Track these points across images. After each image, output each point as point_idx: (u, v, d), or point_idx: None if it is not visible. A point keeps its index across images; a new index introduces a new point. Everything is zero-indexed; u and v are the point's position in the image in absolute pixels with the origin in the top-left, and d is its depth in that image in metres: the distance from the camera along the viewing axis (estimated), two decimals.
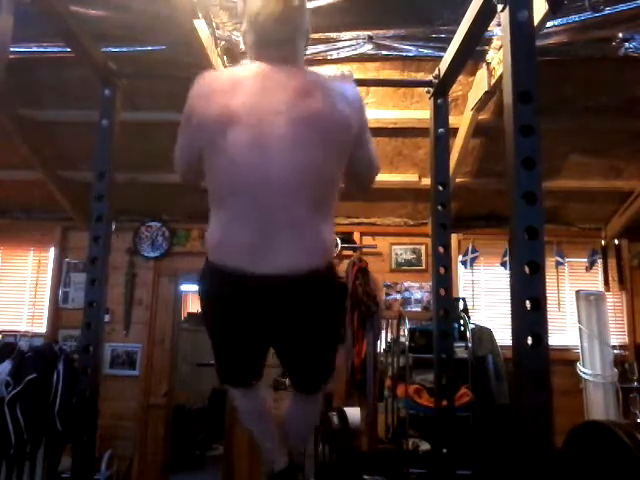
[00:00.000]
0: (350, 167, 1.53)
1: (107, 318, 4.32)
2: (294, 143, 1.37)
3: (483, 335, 4.16)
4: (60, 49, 2.85)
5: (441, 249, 1.95)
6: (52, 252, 4.75)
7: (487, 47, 2.93)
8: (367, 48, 2.97)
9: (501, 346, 4.12)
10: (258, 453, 1.96)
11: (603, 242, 4.60)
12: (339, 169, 1.49)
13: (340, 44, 2.98)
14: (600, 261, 4.59)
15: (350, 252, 4.51)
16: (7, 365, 3.59)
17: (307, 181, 1.39)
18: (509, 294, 1.18)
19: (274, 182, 1.36)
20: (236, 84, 1.43)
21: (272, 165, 1.36)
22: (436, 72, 1.98)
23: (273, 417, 1.80)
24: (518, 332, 1.14)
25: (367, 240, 4.64)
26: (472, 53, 1.92)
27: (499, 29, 1.30)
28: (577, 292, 4.32)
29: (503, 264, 4.49)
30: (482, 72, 3.12)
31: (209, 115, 1.41)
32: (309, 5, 2.63)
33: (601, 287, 4.57)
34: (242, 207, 1.40)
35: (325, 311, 1.50)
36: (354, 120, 1.46)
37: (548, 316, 1.15)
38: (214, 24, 2.77)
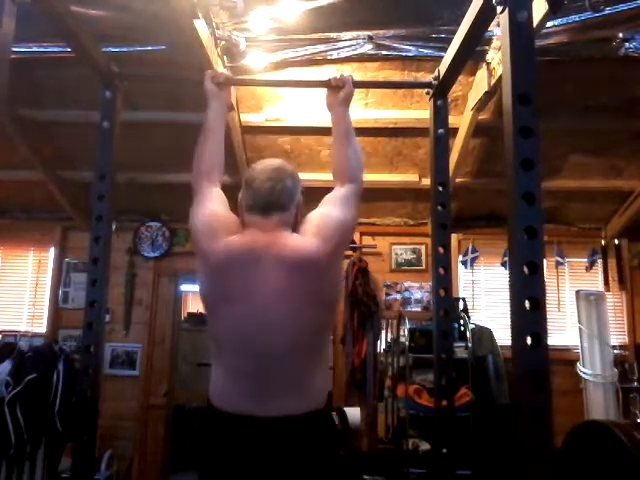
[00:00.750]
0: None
1: (107, 318, 4.32)
2: (288, 313, 1.53)
3: (483, 335, 4.16)
4: (60, 49, 2.85)
5: (441, 249, 1.95)
6: (52, 252, 4.74)
7: (487, 47, 2.93)
8: (367, 48, 2.97)
9: (501, 346, 4.12)
10: None
11: (603, 242, 4.60)
12: (328, 316, 1.66)
13: (340, 44, 2.98)
14: (600, 261, 4.59)
15: (350, 252, 4.51)
16: (7, 365, 3.59)
17: (299, 339, 1.54)
18: (509, 294, 1.18)
19: (270, 344, 1.51)
20: (231, 260, 1.55)
21: (269, 334, 1.51)
22: (436, 73, 1.98)
23: None
24: (517, 332, 1.14)
25: (367, 240, 4.64)
26: (472, 53, 1.92)
27: (499, 29, 1.30)
28: (577, 292, 4.32)
29: (503, 264, 4.49)
30: (482, 72, 3.12)
31: (210, 284, 1.61)
32: (309, 5, 2.65)
33: (601, 287, 4.56)
34: (241, 362, 1.56)
35: (319, 452, 1.58)
36: (323, 257, 1.55)
37: (548, 316, 1.15)
38: (214, 24, 2.77)
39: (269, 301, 1.52)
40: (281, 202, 1.61)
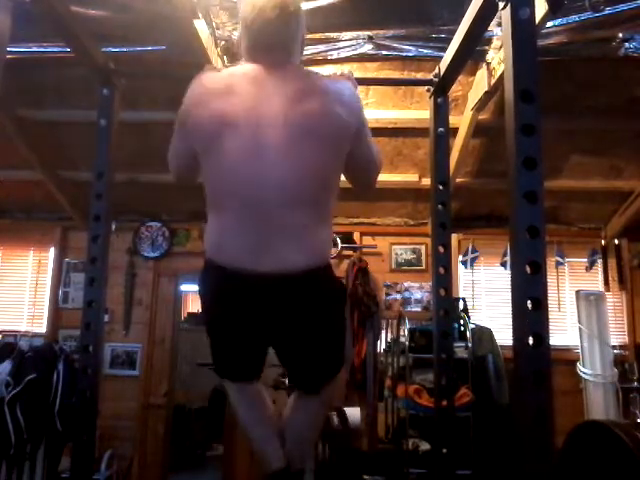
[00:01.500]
0: (350, 167, 1.53)
1: (107, 318, 4.31)
2: (290, 147, 1.38)
3: (483, 335, 4.15)
4: (60, 49, 2.85)
5: (441, 249, 1.95)
6: (52, 252, 4.74)
7: (487, 47, 2.93)
8: (367, 48, 2.97)
9: (501, 346, 4.11)
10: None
11: (603, 242, 4.60)
12: (337, 171, 1.50)
13: (340, 44, 2.98)
14: (600, 261, 4.59)
15: (350, 252, 4.51)
16: (7, 365, 3.58)
17: (304, 184, 1.40)
18: (509, 294, 1.17)
19: (271, 186, 1.37)
20: (232, 88, 1.42)
21: (269, 169, 1.37)
22: (436, 71, 1.98)
23: (273, 418, 1.73)
24: (519, 332, 1.14)
25: (367, 240, 4.64)
26: (472, 53, 1.92)
27: (499, 29, 1.30)
28: (577, 292, 4.32)
29: (503, 264, 4.49)
30: (482, 72, 3.12)
31: (204, 119, 1.42)
32: (309, 5, 2.64)
33: (601, 287, 4.56)
34: (240, 210, 1.41)
35: (323, 309, 1.50)
36: (352, 121, 1.46)
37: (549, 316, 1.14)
38: (214, 24, 2.77)
39: (275, 137, 1.37)
40: (287, 44, 1.49)
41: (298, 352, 1.58)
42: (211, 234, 1.47)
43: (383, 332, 4.35)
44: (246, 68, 1.48)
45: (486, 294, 4.63)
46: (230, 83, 1.44)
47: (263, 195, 1.37)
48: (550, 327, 1.13)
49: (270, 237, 1.38)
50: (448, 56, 1.88)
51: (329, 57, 3.05)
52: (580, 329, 4.21)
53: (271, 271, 1.38)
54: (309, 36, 2.94)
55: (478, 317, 4.47)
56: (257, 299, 1.42)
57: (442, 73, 1.95)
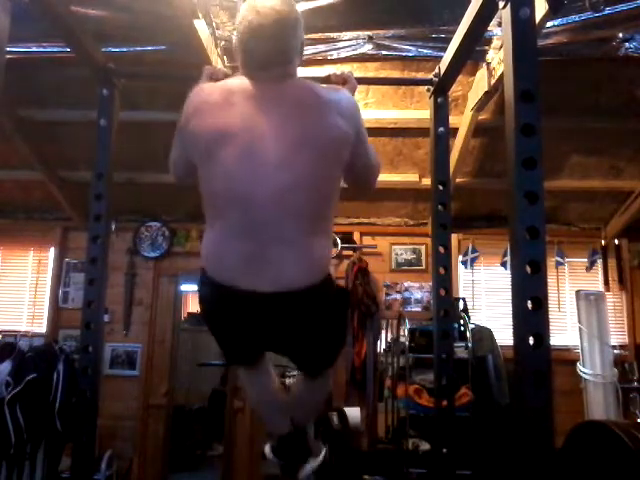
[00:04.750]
0: (350, 173, 1.52)
1: (107, 318, 4.31)
2: (289, 160, 1.36)
3: (483, 335, 4.15)
4: (60, 49, 2.85)
5: (441, 249, 1.95)
6: (52, 252, 4.74)
7: (487, 47, 2.93)
8: (367, 48, 2.97)
9: (501, 346, 4.11)
10: (258, 454, 1.96)
11: (603, 242, 4.60)
12: (336, 182, 1.48)
13: (340, 44, 2.98)
14: (600, 261, 4.59)
15: (350, 252, 4.51)
16: (7, 365, 3.58)
17: (301, 197, 1.37)
18: (509, 294, 1.18)
19: (268, 199, 1.35)
20: (231, 100, 1.41)
21: (266, 182, 1.35)
22: (436, 70, 1.98)
23: (280, 393, 1.84)
24: (519, 332, 1.14)
25: (367, 240, 4.64)
26: (472, 52, 1.92)
27: (499, 29, 1.30)
28: (577, 292, 4.32)
29: (503, 264, 4.49)
30: (482, 72, 3.12)
31: (203, 130, 1.40)
32: (309, 5, 2.64)
33: (601, 287, 4.56)
34: (236, 223, 1.39)
35: (324, 321, 1.51)
36: (350, 131, 1.44)
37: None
38: (214, 24, 2.76)
39: (273, 150, 1.35)
40: (285, 56, 1.44)
41: (300, 354, 1.63)
42: (208, 246, 1.46)
43: (383, 332, 4.35)
44: (244, 82, 1.46)
45: (486, 294, 4.63)
46: (230, 96, 1.42)
47: (260, 208, 1.35)
48: (550, 327, 1.13)
49: (267, 252, 1.36)
50: (448, 56, 1.88)
51: (329, 57, 3.05)
52: (580, 329, 4.21)
53: (269, 291, 1.37)
54: (309, 36, 2.95)
55: (478, 317, 4.47)
56: (253, 316, 1.43)
57: (442, 73, 1.95)
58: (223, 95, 1.43)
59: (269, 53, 1.42)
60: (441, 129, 2.01)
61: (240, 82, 1.46)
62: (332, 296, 1.52)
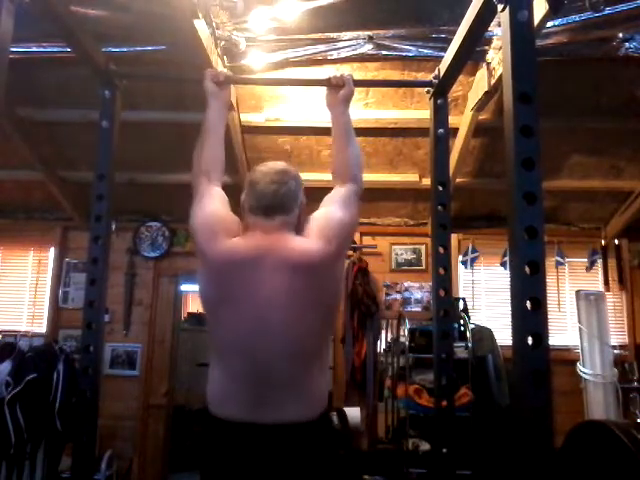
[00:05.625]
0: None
1: (107, 318, 4.32)
2: (287, 311, 1.51)
3: (483, 335, 4.15)
4: (60, 49, 2.85)
5: (441, 249, 1.95)
6: (52, 252, 4.74)
7: (487, 47, 2.93)
8: (367, 48, 2.97)
9: (501, 346, 4.12)
10: None
11: (603, 242, 4.60)
12: (330, 318, 1.68)
13: (340, 44, 2.98)
14: (600, 261, 4.59)
15: (350, 252, 4.51)
16: (7, 365, 3.58)
17: (301, 342, 1.53)
18: (509, 294, 1.18)
19: (271, 348, 1.50)
20: (233, 263, 1.55)
21: (268, 333, 1.50)
22: (436, 72, 1.98)
23: None
24: (518, 332, 1.14)
25: (367, 240, 4.64)
26: (472, 53, 1.92)
27: (499, 29, 1.30)
28: (577, 292, 4.32)
29: (503, 264, 4.49)
30: (482, 72, 3.12)
31: (211, 286, 1.60)
32: (309, 5, 2.65)
33: (601, 287, 4.56)
34: (241, 365, 1.53)
35: (315, 460, 1.57)
36: (335, 251, 1.57)
37: (548, 316, 1.15)
38: (214, 24, 2.76)
39: (271, 304, 1.51)
40: (284, 204, 1.61)
41: None
42: (213, 388, 1.59)
43: (383, 332, 4.35)
44: (248, 241, 1.58)
45: (486, 294, 4.63)
46: (234, 259, 1.56)
47: (262, 354, 1.50)
48: (550, 327, 1.14)
49: (270, 391, 1.51)
50: (447, 58, 1.88)
51: (329, 57, 3.05)
52: (580, 329, 4.22)
53: (270, 422, 1.49)
54: (309, 36, 2.96)
55: (478, 317, 4.47)
56: (258, 449, 1.50)
57: (441, 75, 1.95)
58: (229, 259, 1.57)
59: (272, 197, 1.61)
60: (441, 130, 2.01)
61: (244, 243, 1.59)
62: (328, 432, 1.67)
